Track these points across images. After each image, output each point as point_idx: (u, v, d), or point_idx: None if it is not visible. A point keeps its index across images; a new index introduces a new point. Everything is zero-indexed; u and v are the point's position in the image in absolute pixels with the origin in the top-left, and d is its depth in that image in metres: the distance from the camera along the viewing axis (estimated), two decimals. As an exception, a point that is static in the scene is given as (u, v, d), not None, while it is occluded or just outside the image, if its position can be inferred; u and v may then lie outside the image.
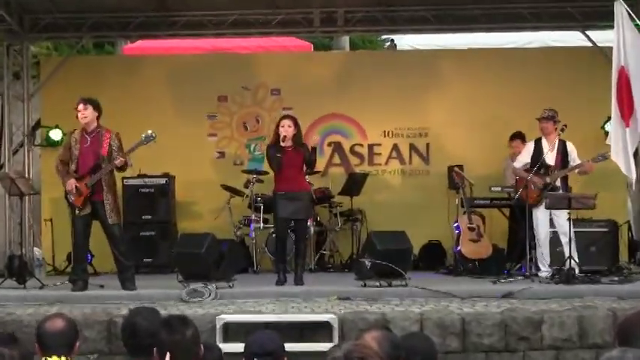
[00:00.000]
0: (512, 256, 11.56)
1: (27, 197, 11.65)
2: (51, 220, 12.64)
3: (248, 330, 7.30)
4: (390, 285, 9.96)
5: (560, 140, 10.76)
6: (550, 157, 10.71)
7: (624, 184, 11.85)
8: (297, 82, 13.21)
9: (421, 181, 13.22)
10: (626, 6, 9.36)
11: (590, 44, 12.29)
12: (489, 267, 11.24)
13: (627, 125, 9.35)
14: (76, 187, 9.92)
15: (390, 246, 10.15)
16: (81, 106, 9.95)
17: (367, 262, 10.05)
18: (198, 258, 10.05)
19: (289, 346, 4.80)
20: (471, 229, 11.55)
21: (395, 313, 8.63)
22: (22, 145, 12.90)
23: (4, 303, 9.49)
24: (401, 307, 9.00)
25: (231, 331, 8.39)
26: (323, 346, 7.21)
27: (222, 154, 13.38)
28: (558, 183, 10.72)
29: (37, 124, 13.24)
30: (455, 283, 10.44)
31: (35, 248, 12.77)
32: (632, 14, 9.39)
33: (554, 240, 10.70)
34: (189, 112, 13.19)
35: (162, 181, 12.60)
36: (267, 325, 7.98)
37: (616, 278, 10.56)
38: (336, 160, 13.36)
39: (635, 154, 9.46)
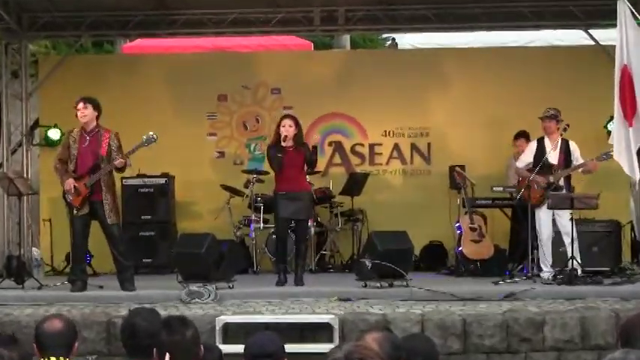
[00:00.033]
0: (514, 256, 11.53)
1: (25, 197, 11.61)
2: (49, 220, 12.62)
3: (248, 331, 7.34)
4: (391, 286, 9.94)
5: (562, 139, 10.72)
6: (553, 157, 10.67)
7: (627, 184, 11.80)
8: (298, 81, 13.19)
9: (422, 181, 13.19)
10: (629, 4, 9.34)
11: (592, 43, 12.26)
12: (491, 268, 11.21)
13: (630, 125, 9.33)
14: (74, 186, 9.89)
15: (391, 246, 10.11)
16: (81, 105, 9.92)
17: (368, 263, 10.00)
18: (198, 258, 10.02)
19: (289, 348, 4.78)
20: (472, 230, 11.53)
21: (396, 314, 8.61)
22: (20, 144, 12.87)
23: (2, 303, 9.45)
24: (402, 308, 8.98)
25: (231, 332, 8.38)
26: (323, 347, 7.20)
27: (222, 154, 13.36)
28: (561, 182, 10.68)
29: (36, 124, 13.23)
30: (456, 284, 10.41)
31: (34, 248, 12.73)
32: (635, 12, 9.39)
33: (557, 240, 10.67)
34: (189, 111, 13.17)
35: (162, 180, 12.58)
36: (267, 326, 7.97)
37: (619, 279, 10.53)
38: (337, 159, 13.34)
39: (639, 154, 9.38)
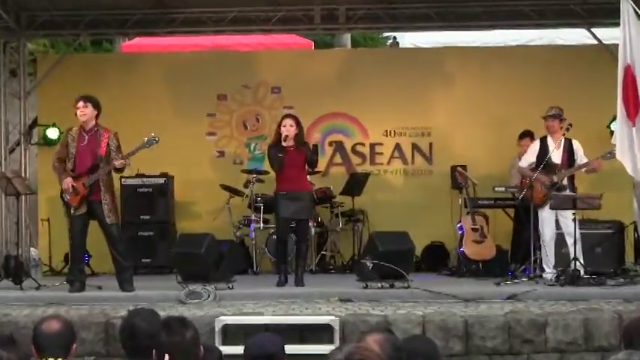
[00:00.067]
0: (517, 257, 11.50)
1: (23, 197, 11.56)
2: (48, 220, 12.58)
3: (248, 332, 7.34)
4: (392, 286, 9.91)
5: (565, 138, 10.69)
6: (556, 156, 10.64)
7: (630, 184, 11.72)
8: (298, 80, 13.15)
9: (424, 181, 13.16)
10: (632, 3, 9.32)
11: (595, 42, 12.25)
12: (493, 268, 11.16)
13: (633, 124, 9.32)
14: (72, 185, 9.85)
15: (392, 247, 10.08)
16: (81, 104, 9.89)
17: (369, 264, 9.97)
18: (198, 258, 9.99)
19: (289, 349, 4.77)
20: (474, 230, 11.49)
21: (397, 316, 8.58)
22: (18, 143, 12.85)
23: (0, 304, 9.42)
24: (403, 309, 8.94)
25: (231, 334, 8.35)
26: (324, 349, 7.16)
27: (221, 154, 13.33)
28: (565, 182, 10.65)
29: (34, 123, 13.23)
30: (458, 285, 10.38)
31: (32, 248, 12.78)
32: (639, 11, 9.31)
33: (559, 241, 10.63)
34: (189, 110, 13.13)
35: (161, 180, 12.54)
36: (267, 327, 7.95)
37: (622, 280, 10.47)
38: (338, 159, 13.31)
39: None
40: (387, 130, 13.22)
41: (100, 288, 10.12)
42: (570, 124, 10.60)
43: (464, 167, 12.06)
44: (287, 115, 10.66)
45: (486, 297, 9.48)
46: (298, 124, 10.34)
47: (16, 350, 4.37)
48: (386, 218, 12.38)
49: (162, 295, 9.61)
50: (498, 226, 12.19)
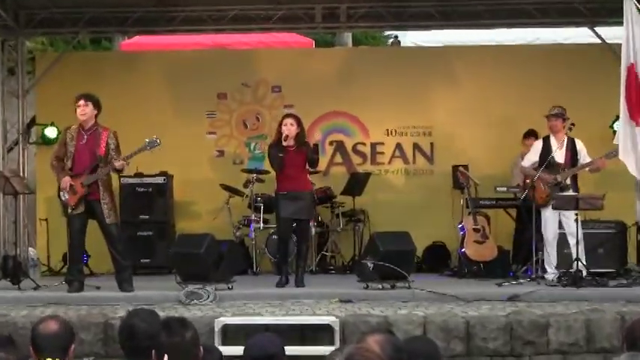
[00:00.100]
0: (518, 258, 11.49)
1: (22, 196, 11.66)
2: (46, 219, 12.55)
3: (247, 333, 7.27)
4: (392, 287, 9.88)
5: (568, 138, 10.68)
6: (559, 155, 10.62)
7: (633, 184, 11.75)
8: (299, 79, 13.12)
9: (425, 181, 13.14)
10: (635, 2, 9.31)
11: (598, 41, 12.23)
12: (494, 269, 11.15)
13: (637, 124, 9.29)
14: (70, 185, 9.80)
15: (393, 247, 10.05)
16: (81, 102, 9.87)
17: (370, 264, 9.93)
18: (197, 259, 9.95)
19: (289, 350, 4.77)
20: (476, 230, 11.46)
21: (398, 316, 8.56)
22: (16, 142, 12.82)
23: (-3, 304, 9.43)
24: (404, 309, 8.92)
25: (230, 334, 8.32)
26: (324, 350, 7.08)
27: (221, 153, 13.30)
28: (568, 181, 10.62)
29: (32, 122, 13.19)
30: (459, 286, 10.35)
31: (30, 248, 12.77)
32: (642, 10, 9.30)
33: (561, 241, 10.60)
34: (188, 109, 13.10)
35: (160, 180, 12.49)
36: (267, 328, 7.90)
37: (624, 281, 10.46)
38: (338, 159, 13.28)
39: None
40: (388, 130, 13.19)
41: (98, 288, 10.10)
42: (573, 124, 10.59)
43: (465, 167, 11.99)
44: (288, 115, 10.63)
45: (488, 298, 9.44)
46: (299, 123, 10.32)
47: (15, 351, 4.35)
48: (387, 218, 12.35)
49: (161, 296, 9.59)
50: (500, 227, 12.18)
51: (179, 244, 10.61)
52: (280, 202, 10.27)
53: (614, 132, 11.03)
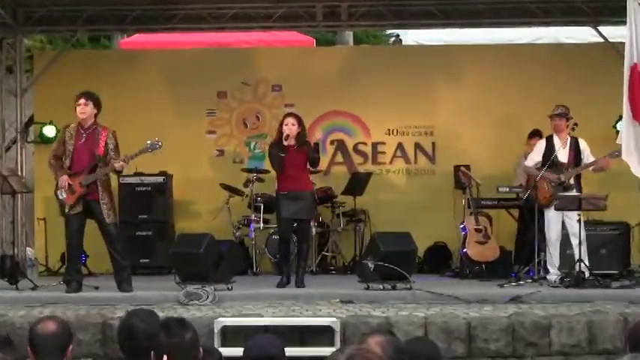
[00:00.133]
0: (520, 258, 11.46)
1: (19, 195, 11.62)
2: (44, 219, 12.51)
3: (247, 334, 7.25)
4: (393, 288, 9.86)
5: (572, 137, 10.67)
6: (562, 155, 10.61)
7: (636, 184, 11.66)
8: (299, 78, 13.09)
9: (426, 181, 13.11)
10: (639, 1, 9.24)
11: (601, 40, 12.19)
12: (496, 270, 11.14)
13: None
14: (69, 184, 9.76)
15: (394, 248, 10.02)
16: (82, 101, 9.83)
17: (370, 265, 9.90)
18: (196, 259, 9.93)
19: (290, 351, 4.76)
20: (477, 231, 11.45)
21: (399, 317, 8.55)
22: (14, 141, 12.80)
23: (-5, 304, 9.43)
24: (405, 310, 8.91)
25: (230, 335, 8.31)
26: (324, 351, 7.05)
27: (221, 152, 13.28)
28: (572, 181, 10.60)
29: (31, 120, 13.18)
30: (461, 287, 10.34)
31: (28, 248, 12.75)
32: (645, 9, 9.26)
33: (564, 242, 10.58)
34: (188, 108, 13.07)
35: (160, 179, 12.46)
36: (266, 329, 7.90)
37: (627, 282, 10.45)
38: (339, 158, 13.25)
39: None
40: (389, 129, 13.16)
41: (97, 288, 10.09)
42: (576, 124, 10.60)
43: (467, 167, 11.97)
44: (289, 114, 10.62)
45: (489, 299, 9.45)
46: (300, 123, 10.31)
47: (13, 351, 4.34)
48: (388, 218, 12.33)
49: (160, 296, 9.58)
50: (502, 227, 12.17)
51: (178, 244, 10.59)
52: (281, 202, 10.25)
53: (617, 132, 10.98)
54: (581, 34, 13.36)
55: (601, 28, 12.13)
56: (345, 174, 12.96)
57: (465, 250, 11.42)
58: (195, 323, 4.73)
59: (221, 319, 8.44)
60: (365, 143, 13.22)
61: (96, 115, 9.88)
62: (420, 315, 8.57)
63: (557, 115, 10.62)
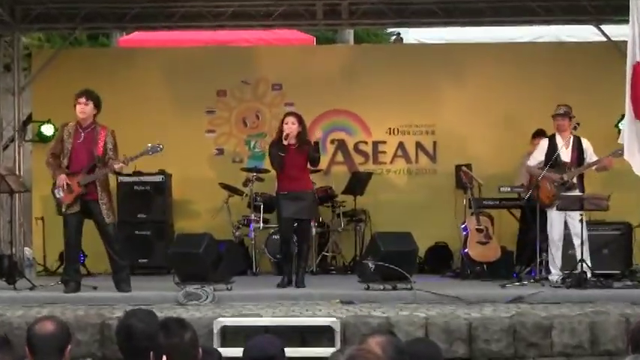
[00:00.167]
0: (522, 258, 11.42)
1: (17, 195, 11.58)
2: (42, 218, 12.48)
3: (247, 334, 7.24)
4: (394, 288, 9.83)
5: (574, 137, 10.65)
6: (565, 154, 10.58)
7: (638, 184, 11.60)
8: (299, 76, 13.06)
9: (428, 181, 13.08)
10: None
11: (603, 39, 12.17)
12: (498, 270, 11.12)
13: (642, 123, 9.25)
14: (67, 183, 9.72)
15: (395, 248, 10.01)
16: (83, 100, 9.80)
17: (371, 265, 9.88)
18: (196, 259, 9.91)
19: (290, 351, 4.78)
20: (479, 231, 11.40)
21: (399, 318, 8.54)
22: (12, 140, 12.74)
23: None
24: (405, 311, 8.88)
25: (230, 335, 8.31)
26: (325, 352, 7.24)
27: (220, 151, 13.26)
28: (575, 181, 10.58)
29: (29, 119, 13.16)
30: (462, 287, 10.32)
31: (26, 248, 12.69)
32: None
33: (566, 242, 10.57)
34: (187, 107, 13.04)
35: (159, 178, 12.43)
36: (266, 329, 7.91)
37: (629, 282, 10.44)
38: (339, 158, 13.23)
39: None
40: (390, 129, 13.13)
41: (95, 288, 10.08)
42: (578, 123, 10.56)
43: (469, 167, 11.93)
44: (289, 113, 10.60)
45: (491, 299, 9.44)
46: (301, 122, 10.29)
47: (10, 351, 4.34)
48: (388, 218, 12.31)
49: (159, 296, 9.56)
50: (503, 227, 12.15)
51: (177, 243, 10.57)
52: (281, 203, 10.24)
53: (619, 131, 10.94)
54: (583, 33, 13.39)
55: (603, 27, 12.10)
56: (345, 173, 12.93)
57: (466, 251, 11.39)
58: (194, 323, 4.73)
59: (220, 319, 8.42)
60: (365, 142, 13.19)
61: (95, 116, 9.84)
62: (420, 315, 8.55)
63: (560, 115, 10.59)
